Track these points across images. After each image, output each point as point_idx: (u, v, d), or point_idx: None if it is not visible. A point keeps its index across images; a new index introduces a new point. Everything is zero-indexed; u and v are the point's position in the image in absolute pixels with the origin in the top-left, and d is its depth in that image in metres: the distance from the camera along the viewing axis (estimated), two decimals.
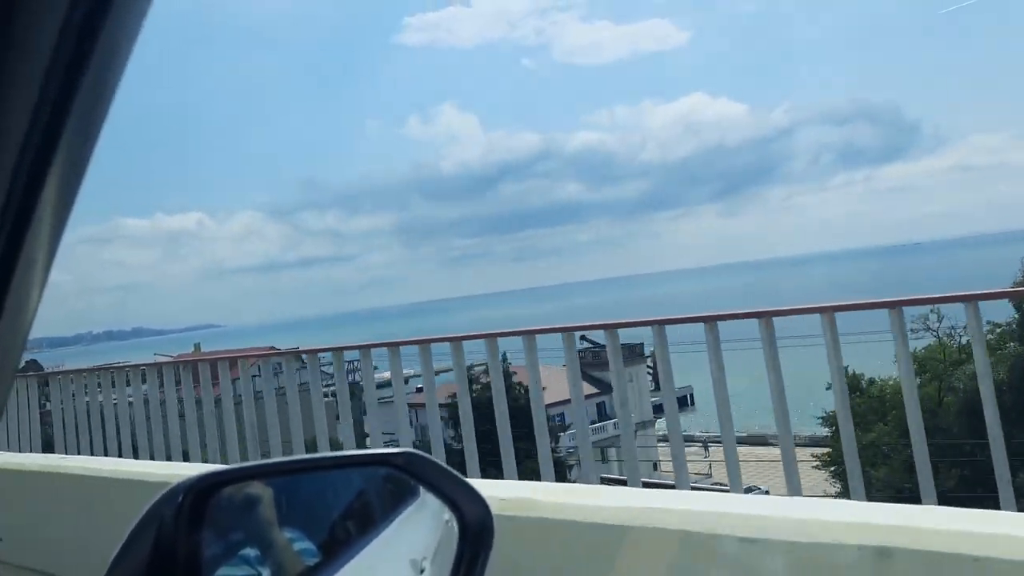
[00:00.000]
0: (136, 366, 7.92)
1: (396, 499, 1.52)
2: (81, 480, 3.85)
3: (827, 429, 32.47)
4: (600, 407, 36.25)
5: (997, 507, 3.74)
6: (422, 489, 1.55)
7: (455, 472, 1.16)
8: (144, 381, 7.57)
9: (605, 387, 29.14)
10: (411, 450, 1.20)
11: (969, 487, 22.73)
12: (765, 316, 4.62)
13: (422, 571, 1.37)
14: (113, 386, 7.70)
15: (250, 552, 1.17)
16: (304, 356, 7.06)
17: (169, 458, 7.04)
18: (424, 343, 5.91)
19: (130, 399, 7.51)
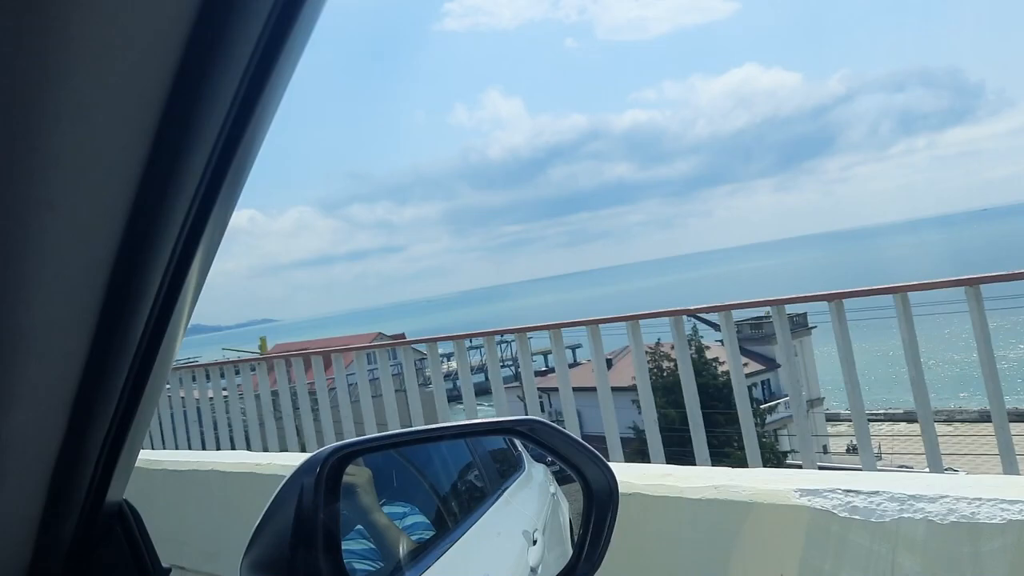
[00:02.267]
0: (257, 359, 7.79)
1: (503, 473, 1.54)
2: (224, 476, 3.93)
3: None
4: (764, 385, 31.97)
5: None
6: (527, 462, 1.57)
7: (578, 438, 1.17)
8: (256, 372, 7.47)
9: (768, 362, 27.73)
10: (535, 417, 1.21)
11: None
12: (899, 291, 4.42)
13: (534, 542, 1.38)
14: (221, 377, 7.57)
15: (375, 520, 1.19)
16: (419, 346, 6.76)
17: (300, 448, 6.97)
18: (556, 327, 5.45)
19: (237, 393, 7.44)
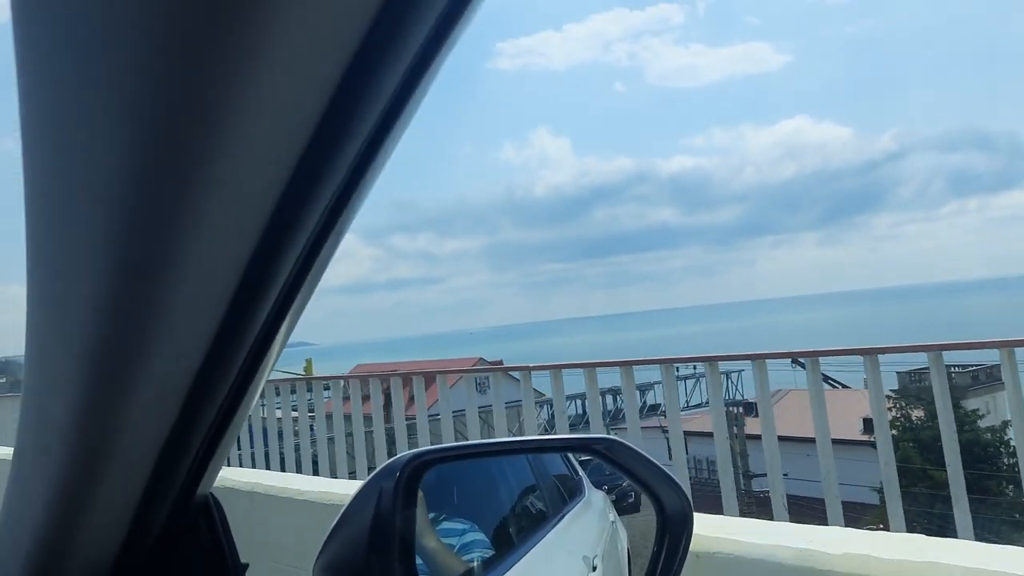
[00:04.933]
0: (344, 377, 7.52)
1: (564, 498, 1.53)
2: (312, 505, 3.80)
3: None
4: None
5: None
6: (587, 488, 1.56)
7: (654, 460, 1.17)
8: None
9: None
10: (613, 436, 1.22)
11: None
12: None
13: (594, 568, 1.37)
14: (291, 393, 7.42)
15: (428, 538, 1.19)
16: (514, 373, 6.74)
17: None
18: (713, 359, 4.98)
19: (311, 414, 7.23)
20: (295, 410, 7.70)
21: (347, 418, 7.07)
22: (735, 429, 22.97)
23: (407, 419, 6.70)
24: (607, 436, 1.24)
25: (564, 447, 1.36)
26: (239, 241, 0.56)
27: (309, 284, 0.65)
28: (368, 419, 6.95)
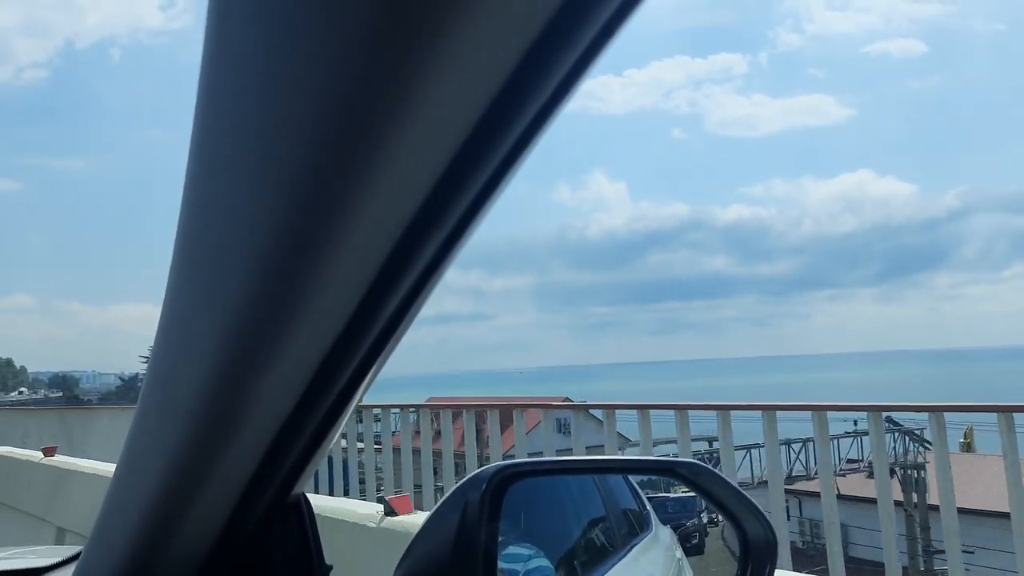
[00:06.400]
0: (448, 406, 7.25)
1: (632, 531, 1.51)
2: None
3: None
4: None
5: None
6: (655, 524, 1.54)
7: (738, 487, 1.15)
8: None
9: None
10: (696, 461, 1.21)
11: None
12: None
13: None
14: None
15: (510, 554, 1.19)
16: (596, 413, 6.25)
17: None
18: (878, 409, 4.64)
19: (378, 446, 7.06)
20: (360, 440, 7.59)
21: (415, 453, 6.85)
22: (913, 497, 21.10)
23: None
24: (693, 461, 1.23)
25: (649, 469, 1.35)
26: (377, 248, 0.57)
27: (424, 295, 0.66)
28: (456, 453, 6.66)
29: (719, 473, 1.18)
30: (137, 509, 0.82)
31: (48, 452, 6.65)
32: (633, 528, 1.50)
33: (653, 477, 1.66)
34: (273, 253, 0.56)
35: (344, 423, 0.82)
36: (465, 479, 0.98)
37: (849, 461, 23.79)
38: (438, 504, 0.97)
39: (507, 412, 6.54)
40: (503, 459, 6.11)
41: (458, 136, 0.51)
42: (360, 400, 0.79)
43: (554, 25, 0.45)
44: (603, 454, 6.09)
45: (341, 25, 0.44)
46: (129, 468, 0.83)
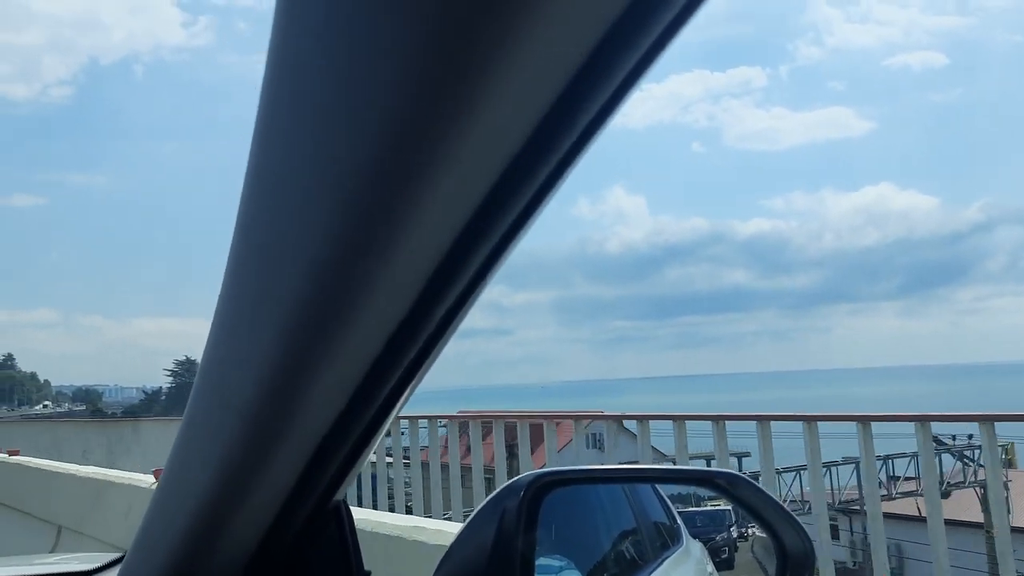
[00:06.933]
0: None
1: (663, 545, 1.51)
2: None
3: None
4: None
5: None
6: (685, 537, 1.54)
7: (777, 499, 1.15)
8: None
9: None
10: (735, 472, 1.20)
11: None
12: None
13: None
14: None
15: (541, 565, 1.19)
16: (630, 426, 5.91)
17: None
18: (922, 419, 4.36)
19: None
20: (389, 454, 7.48)
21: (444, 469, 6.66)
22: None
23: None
24: (730, 471, 1.22)
25: (686, 478, 1.35)
26: (429, 255, 0.57)
27: (469, 304, 0.66)
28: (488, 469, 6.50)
29: (757, 484, 1.17)
30: (183, 514, 0.83)
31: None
32: (664, 541, 1.49)
33: (682, 490, 1.66)
34: (328, 259, 0.57)
35: (383, 433, 0.82)
36: (502, 487, 0.98)
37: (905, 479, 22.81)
38: (475, 511, 0.98)
39: (537, 431, 6.42)
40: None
41: (516, 141, 0.51)
42: (403, 407, 0.79)
43: (618, 27, 0.45)
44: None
45: (407, 25, 0.44)
46: (175, 474, 0.85)
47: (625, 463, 6.65)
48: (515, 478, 0.99)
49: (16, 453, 7.13)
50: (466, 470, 6.73)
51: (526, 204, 0.56)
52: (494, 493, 0.98)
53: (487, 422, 6.78)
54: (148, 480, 5.40)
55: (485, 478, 6.54)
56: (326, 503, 0.87)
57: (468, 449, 6.76)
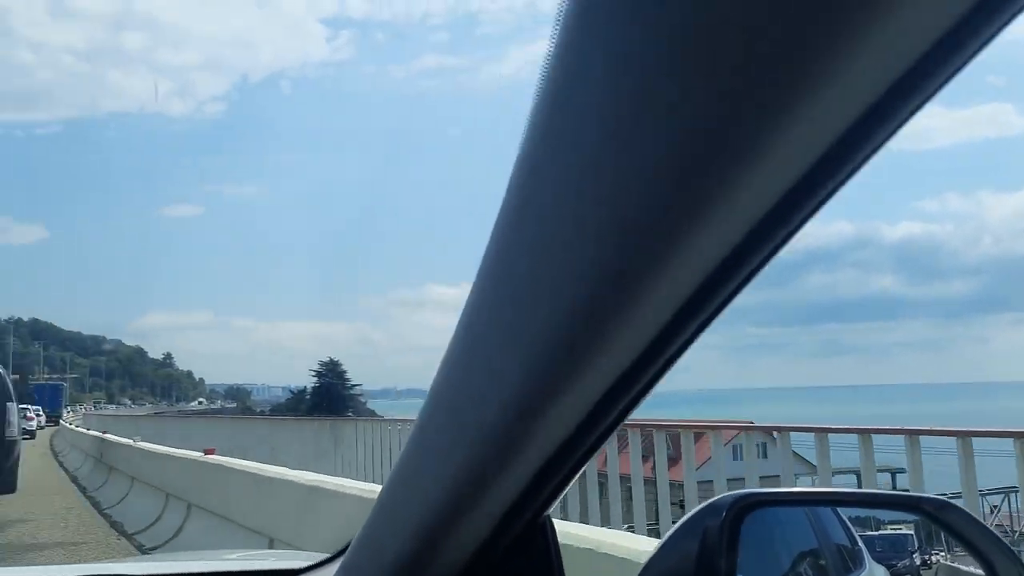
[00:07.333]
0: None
1: (846, 567, 1.47)
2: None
3: None
4: None
5: None
6: (868, 562, 1.49)
7: (990, 528, 1.10)
8: None
9: None
10: (944, 499, 1.16)
11: None
12: None
13: None
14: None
15: None
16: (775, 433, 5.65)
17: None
18: None
19: None
20: None
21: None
22: None
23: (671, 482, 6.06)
24: (939, 497, 1.18)
25: (888, 503, 1.31)
26: (686, 282, 0.56)
27: (708, 326, 0.65)
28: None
29: (970, 512, 1.13)
30: (407, 521, 0.87)
31: None
32: (847, 565, 1.45)
33: (861, 512, 1.61)
34: (591, 284, 0.55)
35: (600, 451, 0.84)
36: (702, 505, 0.99)
37: None
38: (673, 528, 0.99)
39: (675, 440, 6.21)
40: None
41: (790, 178, 0.49)
42: (619, 424, 0.80)
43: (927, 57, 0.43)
44: (777, 483, 5.79)
45: (715, 50, 0.41)
46: (403, 480, 0.89)
47: (764, 477, 6.35)
48: (716, 497, 1.00)
49: (212, 452, 7.18)
50: (625, 479, 6.47)
51: (786, 234, 0.56)
52: (694, 511, 0.99)
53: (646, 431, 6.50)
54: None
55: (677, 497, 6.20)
56: (537, 518, 0.90)
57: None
